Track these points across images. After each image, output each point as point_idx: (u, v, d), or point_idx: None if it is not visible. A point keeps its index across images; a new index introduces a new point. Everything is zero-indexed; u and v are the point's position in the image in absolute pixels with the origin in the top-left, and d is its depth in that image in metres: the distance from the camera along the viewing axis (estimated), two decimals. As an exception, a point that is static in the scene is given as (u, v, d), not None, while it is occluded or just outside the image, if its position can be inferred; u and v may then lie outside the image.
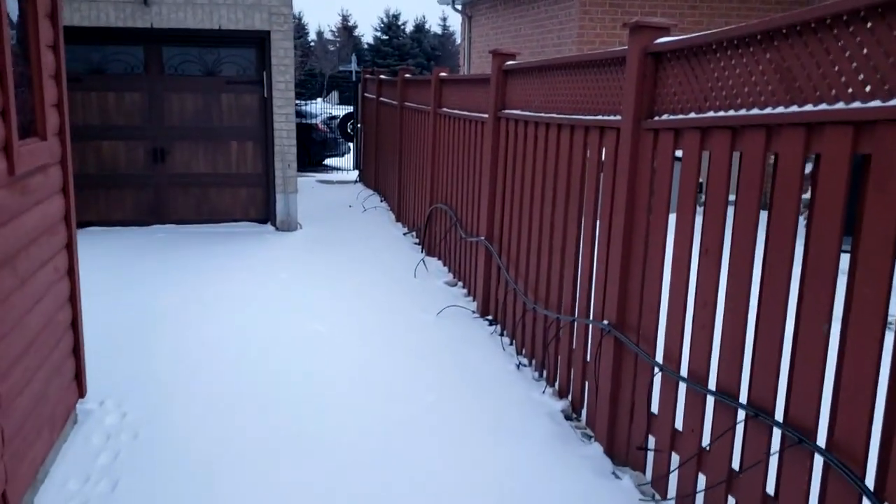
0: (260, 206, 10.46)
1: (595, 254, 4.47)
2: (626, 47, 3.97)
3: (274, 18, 9.68)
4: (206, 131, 10.14)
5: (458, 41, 43.06)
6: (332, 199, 12.73)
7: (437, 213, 8.62)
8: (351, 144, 18.26)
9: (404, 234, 10.06)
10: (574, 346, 4.77)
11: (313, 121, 18.26)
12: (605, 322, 4.22)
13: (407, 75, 10.76)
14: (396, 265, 8.26)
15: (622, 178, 4.03)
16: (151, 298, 6.74)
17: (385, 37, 57.62)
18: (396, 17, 58.24)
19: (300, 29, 54.46)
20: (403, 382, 5.09)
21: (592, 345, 4.48)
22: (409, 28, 59.29)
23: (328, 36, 59.92)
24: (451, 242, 8.02)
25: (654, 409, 3.86)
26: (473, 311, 6.71)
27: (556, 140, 5.02)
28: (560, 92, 4.95)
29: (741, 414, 3.13)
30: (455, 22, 60.42)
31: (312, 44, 56.19)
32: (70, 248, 4.26)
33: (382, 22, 58.20)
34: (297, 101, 20.18)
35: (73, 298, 4.31)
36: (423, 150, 9.30)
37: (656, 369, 3.77)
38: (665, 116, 3.72)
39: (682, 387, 3.55)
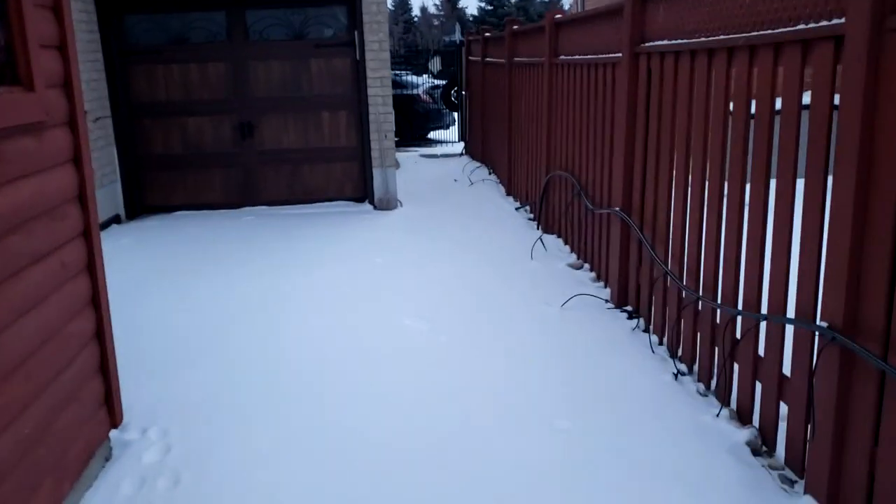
0: (356, 182, 9.44)
1: (805, 228, 3.08)
2: None
3: (364, -31, 8.59)
4: (294, 101, 9.18)
5: (567, 6, 41.06)
6: (436, 174, 11.60)
7: (555, 183, 7.32)
8: (456, 115, 17.06)
9: (516, 208, 8.81)
10: (764, 354, 3.42)
11: (415, 91, 17.16)
12: (824, 324, 2.86)
13: (515, 27, 9.45)
14: (509, 245, 7.03)
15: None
16: (224, 293, 5.79)
17: (489, 7, 55.98)
18: (501, -12, 56.50)
19: (403, 5, 53.72)
20: (524, 402, 3.87)
21: (798, 354, 3.12)
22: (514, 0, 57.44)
23: (432, 10, 58.94)
24: (573, 216, 6.71)
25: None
26: (606, 301, 5.40)
27: (748, 66, 3.64)
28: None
29: None
30: (562, -11, 57.92)
31: (416, 19, 55.36)
32: (89, 236, 3.26)
33: (487, -7, 56.63)
34: (397, 72, 19.15)
35: (97, 302, 3.32)
36: (538, 110, 8.00)
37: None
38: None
39: None
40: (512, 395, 3.95)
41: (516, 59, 9.24)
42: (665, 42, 4.41)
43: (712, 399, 3.85)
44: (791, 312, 3.20)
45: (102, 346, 3.35)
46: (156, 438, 3.56)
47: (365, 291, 5.76)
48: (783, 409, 3.31)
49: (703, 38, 3.88)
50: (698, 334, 4.08)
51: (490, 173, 11.33)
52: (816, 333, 2.94)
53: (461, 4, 59.61)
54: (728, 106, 3.71)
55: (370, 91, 8.88)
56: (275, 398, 4.00)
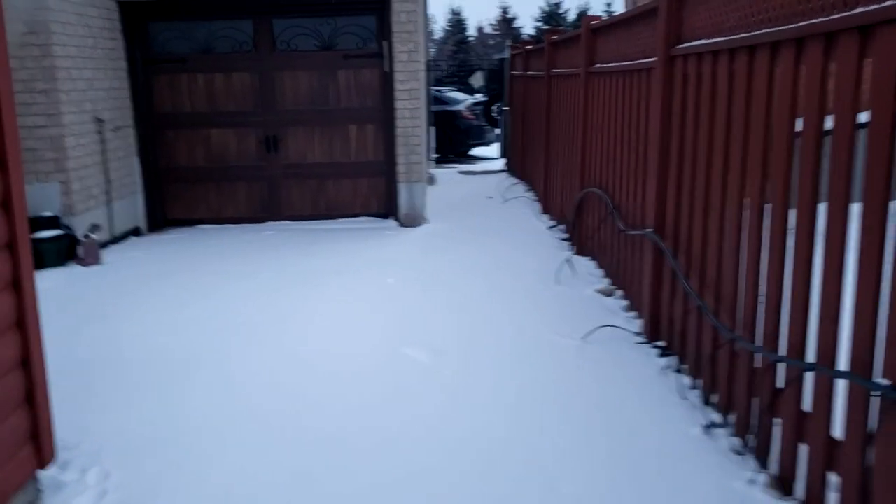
0: (382, 198, 8.99)
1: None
2: None
3: (394, -24, 8.19)
4: (321, 114, 8.81)
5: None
6: (471, 191, 11.09)
7: (588, 201, 6.75)
8: (498, 131, 16.56)
9: (549, 227, 8.24)
10: (811, 410, 2.81)
11: (457, 107, 16.71)
12: (885, 382, 2.25)
13: (554, 37, 8.93)
14: (535, 267, 6.47)
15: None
16: (216, 314, 5.37)
17: (546, 26, 55.46)
18: (558, 4, 55.98)
19: (459, 24, 53.56)
20: (527, 458, 3.31)
21: (852, 414, 2.52)
22: (572, 17, 56.83)
23: (488, 30, 58.71)
24: (605, 237, 6.13)
25: None
26: (637, 334, 4.81)
27: (823, 66, 3.06)
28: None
29: None
30: (620, 7, 57.16)
31: (471, 39, 55.17)
32: (14, 248, 2.85)
33: (543, 12, 56.16)
34: (440, 88, 18.76)
35: (22, 324, 2.90)
36: (573, 123, 7.45)
37: None
38: None
39: None
40: (515, 448, 3.39)
41: (554, 70, 8.72)
42: (704, 41, 3.85)
43: (749, 459, 3.24)
44: (844, 363, 2.59)
45: (30, 375, 2.92)
46: (93, 482, 3.11)
47: (367, 315, 5.27)
48: (833, 478, 2.70)
49: (744, 34, 3.32)
50: (735, 379, 3.48)
51: (527, 190, 10.79)
52: (875, 392, 2.34)
53: (517, 24, 59.31)
54: (769, 115, 3.13)
55: (398, 104, 8.45)
56: (234, 438, 3.52)
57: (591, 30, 6.60)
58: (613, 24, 5.97)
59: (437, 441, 3.45)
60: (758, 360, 3.26)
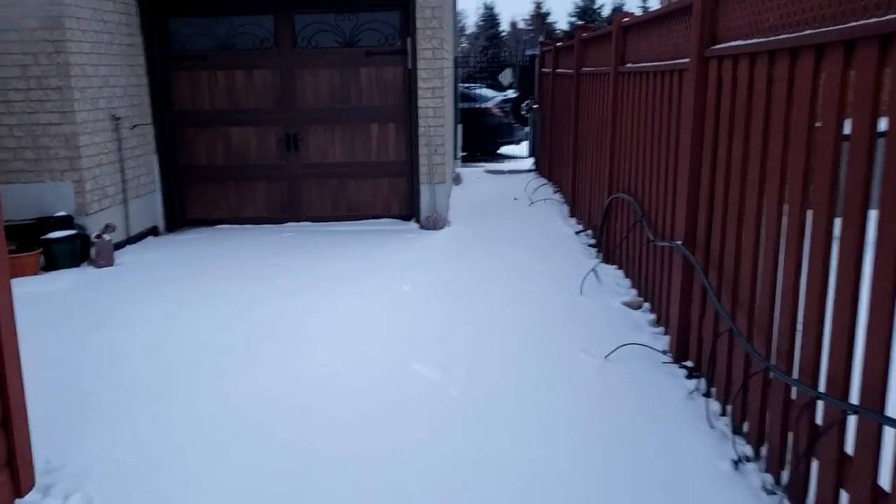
0: (403, 199, 8.76)
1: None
2: None
3: (417, -30, 7.94)
4: (342, 113, 8.59)
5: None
6: (497, 191, 10.80)
7: (617, 206, 6.44)
8: (528, 129, 16.23)
9: (576, 232, 7.93)
10: (854, 454, 2.51)
11: (486, 104, 16.40)
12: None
13: (585, 34, 8.61)
14: (559, 275, 6.18)
15: None
16: (222, 322, 5.17)
17: (580, 22, 54.80)
18: (592, 0, 55.26)
19: (491, 20, 53.17)
20: (536, 494, 3.05)
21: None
22: (607, 12, 56.06)
23: (521, 26, 58.19)
24: (633, 245, 5.83)
25: None
26: (664, 352, 4.51)
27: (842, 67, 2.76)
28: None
29: None
30: (656, 4, 56.24)
31: (504, 34, 54.73)
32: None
33: (577, 7, 55.48)
34: (468, 84, 18.47)
35: (-4, 343, 2.70)
36: (602, 124, 7.14)
37: None
38: None
39: None
40: (522, 481, 3.13)
41: (584, 68, 8.41)
42: (740, 42, 3.54)
43: (782, 499, 2.94)
44: (894, 404, 2.30)
45: (5, 398, 2.73)
46: (73, 511, 2.91)
47: (376, 325, 5.03)
48: (879, 536, 2.40)
49: (784, 35, 3.01)
50: (768, 411, 3.18)
51: (555, 192, 10.47)
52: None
53: (551, 19, 58.74)
54: (813, 121, 2.82)
55: (420, 102, 8.20)
56: (229, 460, 3.30)
57: (623, 27, 6.29)
58: (645, 22, 5.65)
59: (428, 464, 3.20)
60: (795, 391, 2.96)
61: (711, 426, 3.59)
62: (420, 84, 8.19)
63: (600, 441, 3.46)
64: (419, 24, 8.07)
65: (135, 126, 7.91)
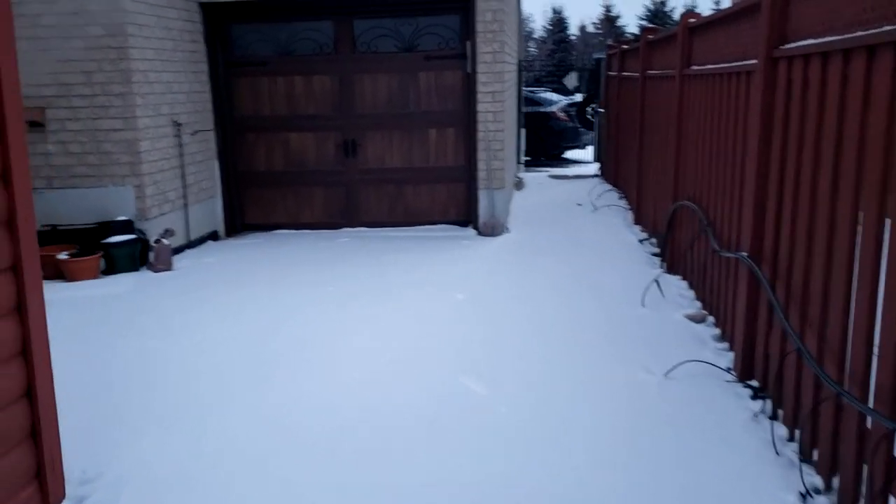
0: (461, 205, 8.62)
1: None
2: None
3: (478, -27, 7.80)
4: (400, 118, 8.51)
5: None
6: (560, 197, 10.56)
7: (682, 214, 6.16)
8: (593, 133, 15.92)
9: (640, 240, 7.65)
10: (937, 501, 2.24)
11: (551, 108, 16.13)
12: None
13: (650, 36, 8.32)
14: (619, 286, 5.93)
15: None
16: (273, 329, 5.11)
17: (650, 26, 53.77)
18: (663, 2, 54.20)
19: (560, 23, 52.68)
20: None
21: None
22: (678, 15, 54.94)
23: (590, 30, 57.49)
24: (698, 255, 5.55)
25: None
26: (728, 370, 4.23)
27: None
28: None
29: None
30: (728, 5, 54.69)
31: (572, 38, 54.17)
32: (19, 272, 2.61)
33: (648, 10, 54.48)
34: (533, 88, 18.21)
35: (27, 353, 2.66)
36: (667, 128, 6.86)
37: None
38: None
39: None
40: (567, 505, 2.94)
41: (649, 70, 8.13)
42: (811, 41, 3.27)
43: (857, 542, 2.68)
44: None
45: (34, 408, 2.69)
46: (105, 524, 2.86)
47: (426, 335, 4.89)
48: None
49: (861, 32, 2.75)
50: (841, 440, 2.91)
51: (620, 197, 10.18)
52: None
53: (620, 23, 57.85)
54: (892, 125, 2.56)
55: (479, 107, 8.05)
56: (270, 477, 3.20)
57: (689, 28, 6.01)
58: (712, 23, 5.37)
59: (476, 493, 3.04)
60: (871, 420, 2.69)
61: (777, 453, 3.32)
62: (479, 88, 8.04)
63: (658, 466, 3.23)
64: (479, 27, 7.93)
65: (196, 132, 7.98)
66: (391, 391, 4.04)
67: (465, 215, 8.57)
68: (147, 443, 3.52)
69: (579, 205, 9.88)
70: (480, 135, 8.10)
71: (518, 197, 10.56)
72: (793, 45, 3.53)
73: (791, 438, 3.43)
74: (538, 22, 54.43)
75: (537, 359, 4.47)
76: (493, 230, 8.06)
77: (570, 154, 16.86)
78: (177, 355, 4.68)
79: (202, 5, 8.08)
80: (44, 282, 6.32)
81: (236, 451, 3.43)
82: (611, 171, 11.75)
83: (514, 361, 4.43)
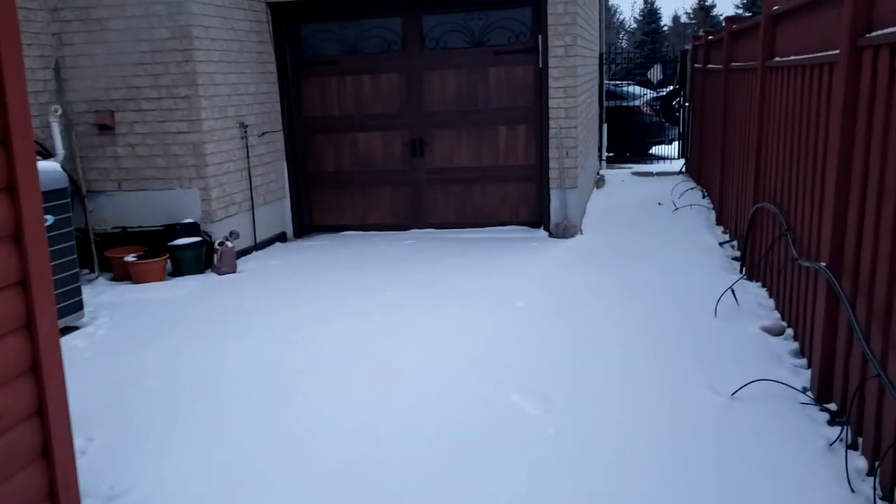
0: (532, 205, 8.32)
1: None
2: None
3: (549, -36, 7.49)
4: (469, 115, 8.28)
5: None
6: (641, 195, 10.10)
7: (762, 217, 5.71)
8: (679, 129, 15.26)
9: (721, 243, 7.18)
10: None
11: (634, 102, 15.56)
12: None
13: (735, 26, 7.82)
14: (694, 292, 5.54)
15: None
16: (326, 337, 4.98)
17: (748, 13, 51.62)
18: (761, -11, 51.94)
19: (652, 14, 51.26)
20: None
21: None
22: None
23: (684, 20, 55.68)
24: (777, 262, 5.11)
25: None
26: (804, 390, 3.83)
27: None
28: None
29: None
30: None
31: (665, 29, 52.62)
32: (28, 287, 2.53)
33: (744, -1, 52.32)
34: (616, 82, 17.64)
35: (38, 370, 2.58)
36: (748, 124, 6.40)
37: None
38: None
39: None
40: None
41: (733, 63, 7.64)
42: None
43: None
44: None
45: (46, 426, 2.61)
46: (118, 548, 2.76)
47: (478, 346, 4.66)
48: None
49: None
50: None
51: (703, 197, 9.66)
52: None
53: (716, 12, 55.80)
54: None
55: (552, 102, 7.75)
56: (303, 499, 3.05)
57: (773, 16, 5.55)
58: (796, 10, 4.90)
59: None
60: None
61: (853, 490, 2.94)
62: (551, 83, 7.74)
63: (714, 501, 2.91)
64: (551, 20, 7.62)
65: (263, 133, 7.98)
66: (436, 407, 3.84)
67: (537, 216, 8.27)
68: (180, 457, 3.43)
69: (660, 204, 9.41)
70: (552, 132, 7.79)
71: (597, 195, 10.18)
72: (880, 32, 3.12)
73: (870, 473, 3.04)
74: (626, 13, 53.12)
75: (596, 374, 4.18)
76: (565, 232, 7.74)
77: (655, 150, 16.24)
78: (230, 362, 4.61)
79: (270, 5, 8.07)
80: (112, 283, 6.49)
81: (276, 468, 3.30)
82: (695, 169, 11.20)
83: (571, 377, 4.15)
